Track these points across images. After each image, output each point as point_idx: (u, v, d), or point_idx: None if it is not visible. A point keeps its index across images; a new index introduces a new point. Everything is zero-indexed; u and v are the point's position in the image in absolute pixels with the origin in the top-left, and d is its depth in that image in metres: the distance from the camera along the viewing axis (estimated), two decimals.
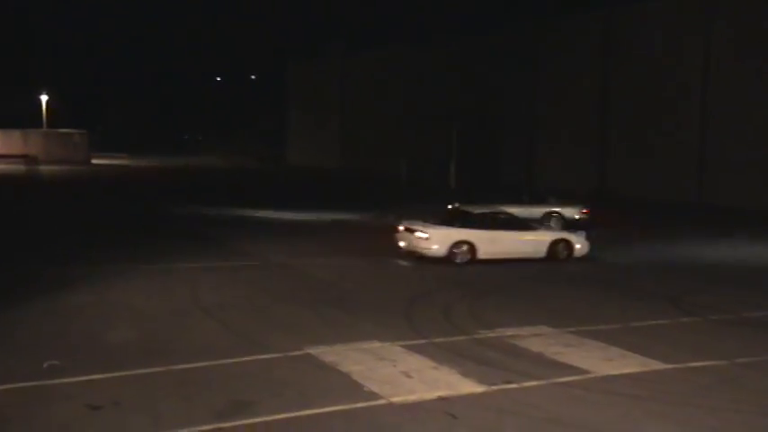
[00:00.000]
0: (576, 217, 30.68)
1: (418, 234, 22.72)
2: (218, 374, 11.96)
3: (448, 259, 22.40)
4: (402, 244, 23.49)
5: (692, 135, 46.87)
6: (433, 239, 22.47)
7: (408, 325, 15.29)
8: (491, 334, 14.68)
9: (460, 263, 22.37)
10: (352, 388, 11.37)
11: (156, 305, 16.75)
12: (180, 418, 10.02)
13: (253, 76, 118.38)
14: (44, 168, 62.04)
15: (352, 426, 10.08)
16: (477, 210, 24.36)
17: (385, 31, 78.13)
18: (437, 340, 14.08)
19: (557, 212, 30.74)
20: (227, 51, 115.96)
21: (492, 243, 22.87)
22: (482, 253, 22.71)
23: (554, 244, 23.61)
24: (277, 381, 11.67)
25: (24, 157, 64.78)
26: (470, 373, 12.08)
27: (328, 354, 12.98)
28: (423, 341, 13.99)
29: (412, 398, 10.98)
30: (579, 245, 23.91)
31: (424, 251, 22.63)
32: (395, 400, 10.89)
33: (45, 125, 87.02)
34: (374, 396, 11.01)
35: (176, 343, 13.71)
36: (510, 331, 14.88)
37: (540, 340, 14.31)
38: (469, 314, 16.44)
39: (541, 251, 23.49)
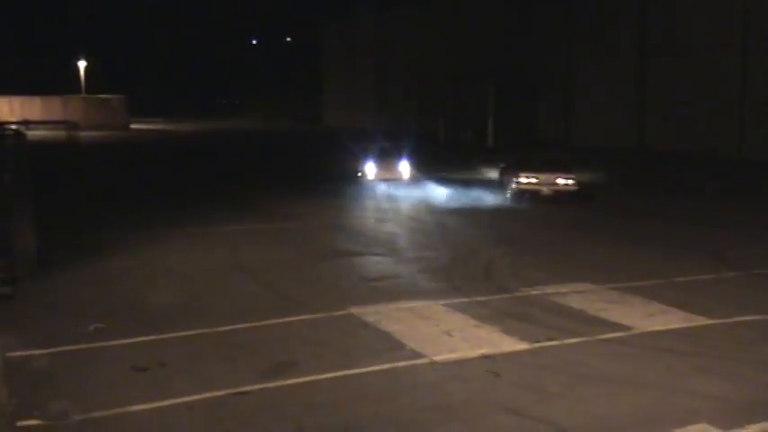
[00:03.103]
0: None
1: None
2: (261, 335, 12.05)
3: None
4: None
5: (733, 89, 46.04)
6: None
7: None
8: (533, 291, 14.65)
9: None
10: (395, 347, 11.41)
11: (197, 267, 16.88)
12: (224, 379, 10.12)
13: (288, 39, 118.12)
14: (84, 134, 62.50)
15: (395, 384, 10.10)
16: None
17: None
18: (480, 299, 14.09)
19: None
20: (263, 14, 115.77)
21: None
22: None
23: None
24: (319, 341, 11.74)
25: (65, 123, 65.23)
26: (512, 331, 12.07)
27: (370, 314, 13.04)
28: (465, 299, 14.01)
29: (454, 356, 11.00)
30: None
31: None
32: (437, 358, 10.91)
33: (84, 91, 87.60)
34: (416, 355, 11.05)
35: (219, 305, 13.83)
36: (551, 288, 14.84)
37: (581, 297, 14.25)
38: (510, 272, 16.43)
39: None
